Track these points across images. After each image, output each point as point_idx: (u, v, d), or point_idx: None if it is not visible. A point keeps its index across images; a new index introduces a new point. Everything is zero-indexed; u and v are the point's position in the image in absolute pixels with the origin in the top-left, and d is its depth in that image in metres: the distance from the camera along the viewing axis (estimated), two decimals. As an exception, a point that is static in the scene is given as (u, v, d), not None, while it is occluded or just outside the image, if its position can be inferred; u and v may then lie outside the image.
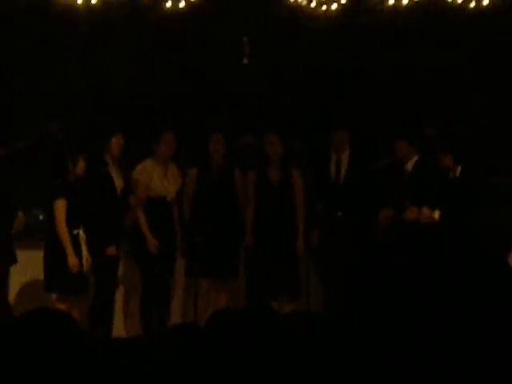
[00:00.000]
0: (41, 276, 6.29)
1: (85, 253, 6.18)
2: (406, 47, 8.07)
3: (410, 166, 6.71)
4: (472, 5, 7.94)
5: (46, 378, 2.49)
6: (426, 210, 6.47)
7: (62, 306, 5.88)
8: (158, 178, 6.68)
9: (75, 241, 6.14)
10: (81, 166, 6.21)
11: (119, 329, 6.79)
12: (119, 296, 6.77)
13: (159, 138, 6.68)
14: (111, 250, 6.31)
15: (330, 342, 3.03)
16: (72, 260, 6.05)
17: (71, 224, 6.13)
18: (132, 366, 2.87)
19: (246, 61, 7.95)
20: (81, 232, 6.19)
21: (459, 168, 6.48)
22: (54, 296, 6.12)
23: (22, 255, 6.36)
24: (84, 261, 6.16)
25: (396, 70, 8.07)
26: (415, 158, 6.70)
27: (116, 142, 6.54)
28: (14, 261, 6.19)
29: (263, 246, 6.71)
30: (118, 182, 6.59)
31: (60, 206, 6.08)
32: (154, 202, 6.66)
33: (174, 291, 6.87)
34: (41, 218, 7.04)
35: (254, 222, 6.73)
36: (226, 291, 6.83)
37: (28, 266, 6.56)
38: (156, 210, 6.65)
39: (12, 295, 6.47)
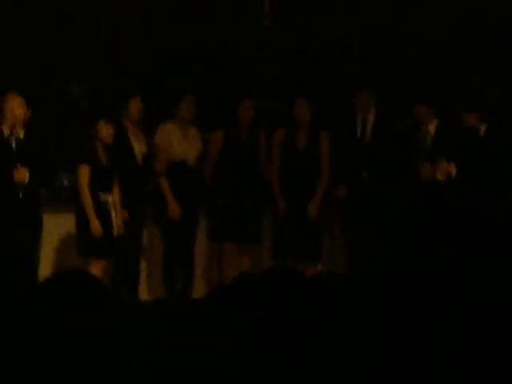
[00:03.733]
0: (72, 240, 6.36)
1: (115, 218, 6.20)
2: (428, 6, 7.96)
3: (431, 128, 6.64)
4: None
5: (73, 340, 2.52)
6: (443, 164, 6.37)
7: (92, 269, 5.94)
8: (177, 141, 6.67)
9: (103, 206, 6.16)
10: (105, 131, 6.18)
11: (143, 293, 6.85)
12: (143, 260, 6.82)
13: (179, 101, 6.66)
14: (124, 216, 6.32)
15: (354, 303, 3.05)
16: (94, 224, 6.08)
17: (98, 189, 6.15)
18: (157, 329, 2.90)
19: (266, 23, 7.86)
20: (110, 197, 6.21)
21: (485, 127, 6.40)
22: (84, 259, 6.17)
23: (49, 219, 6.42)
24: (114, 225, 6.18)
25: (419, 29, 7.96)
26: (435, 122, 6.63)
27: (135, 106, 6.50)
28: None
29: (288, 210, 6.71)
30: (140, 147, 6.58)
31: (83, 172, 6.12)
32: (175, 166, 6.66)
33: (198, 255, 6.90)
34: (65, 183, 7.09)
35: (280, 186, 6.73)
36: (250, 254, 6.86)
37: (57, 231, 6.64)
38: (177, 174, 6.65)
39: (44, 260, 6.54)
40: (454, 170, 6.37)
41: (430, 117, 6.62)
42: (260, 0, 7.86)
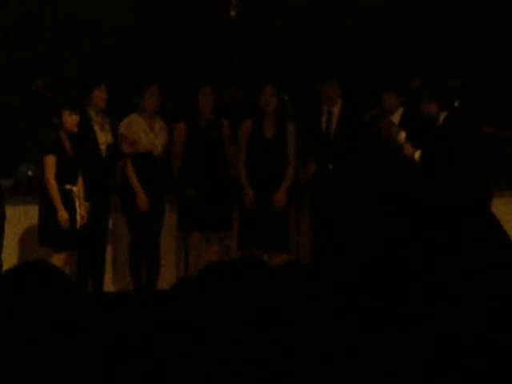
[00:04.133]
0: (34, 231, 6.30)
1: (78, 209, 6.16)
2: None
3: (396, 117, 6.69)
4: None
5: (35, 333, 2.49)
6: (409, 146, 6.45)
7: (54, 261, 5.89)
8: (143, 132, 6.65)
9: (68, 196, 6.12)
10: (70, 120, 6.14)
11: (109, 283, 6.83)
12: (109, 251, 6.79)
13: (144, 92, 6.62)
14: (86, 206, 6.29)
15: (317, 293, 3.05)
16: (62, 214, 6.05)
17: (63, 179, 6.11)
18: (123, 322, 2.88)
19: (233, 13, 7.85)
20: (74, 188, 6.16)
21: (444, 114, 6.46)
22: (47, 250, 6.12)
23: (12, 211, 6.35)
24: (78, 217, 6.14)
25: (385, 18, 8.00)
26: (400, 111, 6.68)
27: (99, 94, 6.45)
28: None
29: (255, 199, 6.72)
30: (105, 137, 6.54)
31: (49, 162, 6.08)
32: (141, 156, 6.63)
33: (165, 245, 6.89)
34: (29, 173, 7.02)
35: (247, 175, 6.73)
36: (217, 244, 6.87)
37: (19, 222, 6.57)
38: (143, 164, 6.63)
39: (5, 251, 6.47)
40: (417, 155, 6.44)
41: (396, 106, 6.66)
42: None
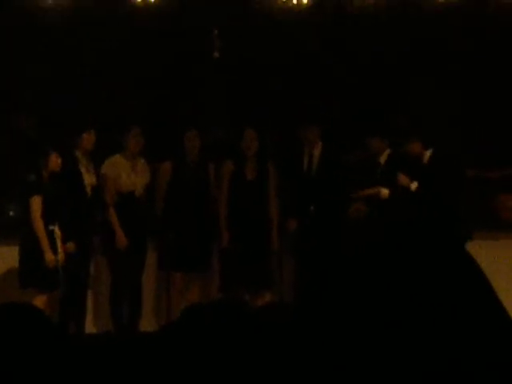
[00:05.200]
0: (13, 272, 6.28)
1: (60, 249, 6.20)
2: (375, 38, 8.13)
3: (382, 159, 6.79)
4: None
5: (16, 375, 2.51)
6: (403, 177, 6.52)
7: (36, 302, 5.90)
8: (125, 172, 6.73)
9: (50, 237, 6.16)
10: (55, 161, 6.20)
11: (90, 325, 6.80)
12: (90, 291, 6.78)
13: (127, 133, 6.70)
14: (70, 247, 6.31)
15: (298, 332, 3.09)
16: (49, 256, 6.08)
17: (47, 220, 6.15)
18: (105, 364, 2.90)
19: (216, 54, 7.94)
20: (56, 228, 6.20)
21: (428, 154, 6.56)
22: (28, 292, 6.10)
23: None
24: (59, 257, 6.17)
25: (360, 60, 8.13)
26: (387, 151, 6.78)
27: (88, 138, 6.57)
28: None
29: (236, 241, 6.76)
30: (90, 178, 6.61)
31: (35, 203, 6.11)
32: (123, 197, 6.71)
33: (146, 286, 6.90)
34: (11, 214, 7.02)
35: (228, 217, 6.78)
36: (199, 284, 6.88)
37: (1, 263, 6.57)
38: (125, 205, 6.70)
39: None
40: (414, 187, 6.51)
41: (383, 148, 6.77)
42: (209, 32, 7.94)
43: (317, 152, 7.01)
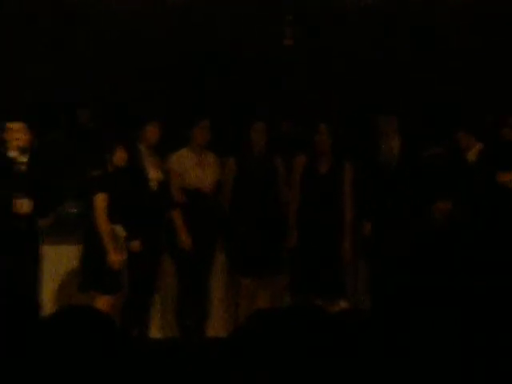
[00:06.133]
0: (74, 273, 6.37)
1: (124, 249, 6.21)
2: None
3: (472, 155, 6.64)
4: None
5: (79, 380, 2.54)
6: (505, 174, 6.38)
7: (98, 305, 5.92)
8: (192, 168, 6.71)
9: (114, 236, 6.16)
10: (121, 156, 6.23)
11: (154, 330, 6.86)
12: (155, 295, 6.82)
13: (193, 125, 6.71)
14: (135, 246, 6.34)
15: (377, 340, 3.06)
16: (113, 256, 6.08)
17: (110, 218, 6.16)
18: (169, 371, 2.92)
19: (288, 42, 7.92)
20: (118, 227, 6.22)
21: None
22: (91, 294, 6.15)
23: (52, 251, 6.45)
24: (123, 257, 6.18)
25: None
26: (477, 147, 6.65)
27: (152, 131, 6.57)
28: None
29: (307, 242, 6.72)
30: (156, 173, 6.61)
31: (100, 200, 6.12)
32: (189, 194, 6.69)
33: (213, 289, 6.91)
34: (73, 211, 7.12)
35: (298, 216, 6.74)
36: (269, 289, 6.86)
37: (60, 262, 6.66)
38: (191, 202, 6.67)
39: (44, 293, 6.56)
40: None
41: (472, 143, 6.63)
42: (282, 18, 7.93)
43: (395, 145, 6.91)
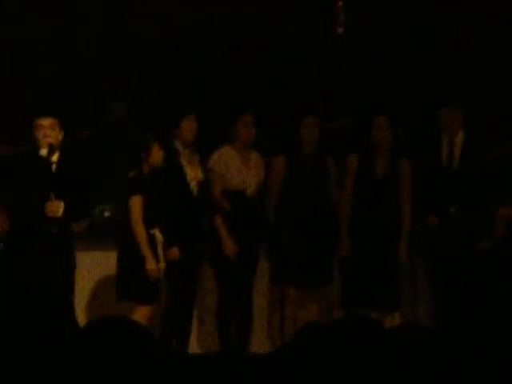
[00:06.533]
0: (109, 281, 6.39)
1: (162, 256, 6.20)
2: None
3: None
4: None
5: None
6: None
7: (136, 316, 5.90)
8: (235, 167, 6.69)
9: (151, 242, 6.16)
10: (157, 155, 6.21)
11: (193, 343, 6.86)
12: (196, 305, 6.82)
13: (237, 121, 6.68)
14: (174, 254, 6.33)
15: (442, 359, 3.02)
16: (150, 264, 6.07)
17: (147, 223, 6.15)
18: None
19: (340, 30, 7.88)
20: (157, 232, 6.22)
21: None
22: (127, 304, 6.15)
23: (83, 257, 6.49)
24: (160, 265, 6.18)
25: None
26: None
27: (188, 126, 6.53)
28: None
29: (360, 249, 6.66)
30: (195, 173, 6.58)
31: (136, 203, 6.10)
32: (232, 196, 6.66)
33: (257, 300, 6.89)
34: (106, 215, 7.16)
35: (351, 222, 6.68)
36: (318, 300, 6.82)
37: (91, 270, 6.70)
38: (234, 205, 6.65)
39: (81, 301, 6.59)
40: None
41: None
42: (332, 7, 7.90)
43: (459, 141, 6.80)
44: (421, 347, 3.11)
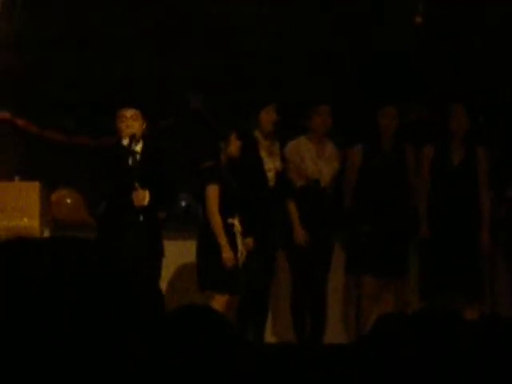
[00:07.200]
0: (187, 270, 6.46)
1: (240, 246, 6.23)
2: None
3: None
4: None
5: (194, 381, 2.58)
6: None
7: (215, 304, 5.93)
8: (310, 157, 6.68)
9: (229, 232, 6.19)
10: (235, 144, 6.25)
11: (268, 333, 6.89)
12: (271, 295, 6.84)
13: (312, 111, 6.68)
14: (249, 244, 6.35)
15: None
16: (227, 254, 6.10)
17: (225, 212, 6.18)
18: (285, 377, 2.92)
19: (418, 19, 7.81)
20: (236, 221, 6.25)
21: None
22: (207, 294, 6.19)
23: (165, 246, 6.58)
24: (239, 255, 6.21)
25: None
26: None
27: (267, 117, 6.56)
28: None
29: (439, 238, 6.61)
30: (273, 163, 6.61)
31: (213, 192, 6.15)
32: (307, 186, 6.67)
33: (333, 291, 6.88)
34: (183, 204, 7.23)
35: (429, 209, 6.64)
36: (395, 291, 6.78)
37: (169, 259, 6.78)
38: (309, 195, 6.65)
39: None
40: None
41: None
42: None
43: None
44: (505, 342, 3.07)
